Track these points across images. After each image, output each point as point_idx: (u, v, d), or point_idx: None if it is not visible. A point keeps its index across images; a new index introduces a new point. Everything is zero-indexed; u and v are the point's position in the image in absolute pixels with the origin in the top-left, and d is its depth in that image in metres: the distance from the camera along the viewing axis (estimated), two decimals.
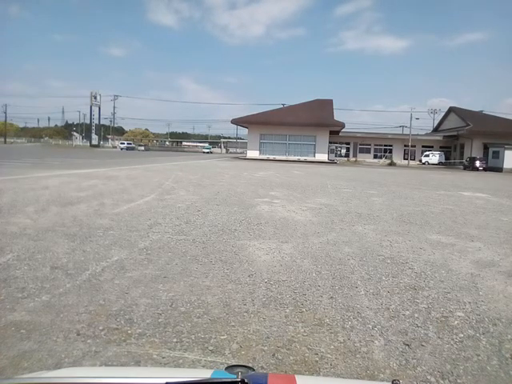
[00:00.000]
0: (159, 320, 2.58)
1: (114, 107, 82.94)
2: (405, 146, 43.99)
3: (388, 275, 3.71)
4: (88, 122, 73.46)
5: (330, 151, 40.25)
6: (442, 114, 51.43)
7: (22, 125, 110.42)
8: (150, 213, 6.34)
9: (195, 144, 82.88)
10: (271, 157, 36.48)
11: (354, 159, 43.15)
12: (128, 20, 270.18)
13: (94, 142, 66.79)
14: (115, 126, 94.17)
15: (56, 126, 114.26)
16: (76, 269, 3.50)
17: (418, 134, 45.90)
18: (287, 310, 2.83)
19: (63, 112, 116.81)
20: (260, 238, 5.01)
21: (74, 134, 75.64)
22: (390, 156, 44.38)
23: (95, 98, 65.81)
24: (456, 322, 2.74)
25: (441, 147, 44.52)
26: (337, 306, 2.94)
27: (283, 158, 36.28)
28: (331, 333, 2.51)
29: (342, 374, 2.07)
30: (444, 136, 44.09)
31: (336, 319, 2.71)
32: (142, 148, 64.39)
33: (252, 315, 2.72)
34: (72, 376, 1.07)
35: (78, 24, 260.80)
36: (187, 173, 15.51)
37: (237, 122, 39.18)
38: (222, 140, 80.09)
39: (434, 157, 42.65)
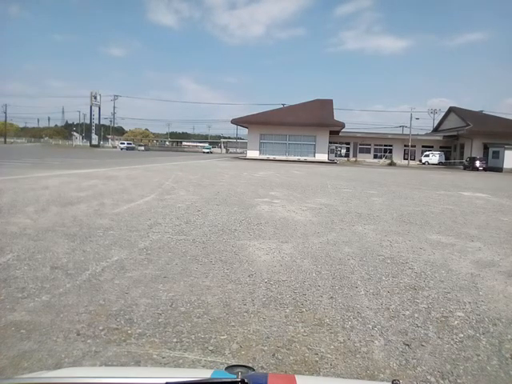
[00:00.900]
0: (159, 320, 2.58)
1: (114, 107, 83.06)
2: (405, 145, 43.99)
3: (388, 275, 3.71)
4: (88, 121, 73.53)
5: (330, 151, 40.26)
6: (442, 114, 51.49)
7: (22, 125, 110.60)
8: (149, 213, 6.34)
9: (195, 144, 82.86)
10: (271, 157, 36.48)
11: (353, 159, 43.15)
12: (128, 20, 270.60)
13: (94, 142, 66.78)
14: (115, 126, 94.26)
15: (56, 126, 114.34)
16: (76, 269, 3.50)
17: (418, 134, 45.90)
18: (287, 310, 2.83)
19: (63, 112, 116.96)
20: (260, 238, 5.01)
21: (74, 134, 75.66)
22: (389, 156, 44.39)
23: (95, 97, 65.82)
24: (456, 322, 2.74)
25: (441, 147, 44.52)
26: (337, 306, 2.94)
27: (283, 158, 36.27)
28: (331, 333, 2.51)
29: (342, 374, 2.07)
30: (444, 136, 44.09)
31: (336, 319, 2.71)
32: (142, 148, 64.38)
33: (252, 315, 2.72)
34: (72, 376, 1.07)
35: (78, 24, 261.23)
36: (187, 173, 15.51)
37: (237, 122, 39.18)
38: (222, 140, 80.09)
39: (434, 157, 42.65)
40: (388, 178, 18.61)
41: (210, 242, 4.72)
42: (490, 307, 3.03)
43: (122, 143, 66.23)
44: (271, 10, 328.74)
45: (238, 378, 0.85)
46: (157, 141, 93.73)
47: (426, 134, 50.18)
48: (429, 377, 2.06)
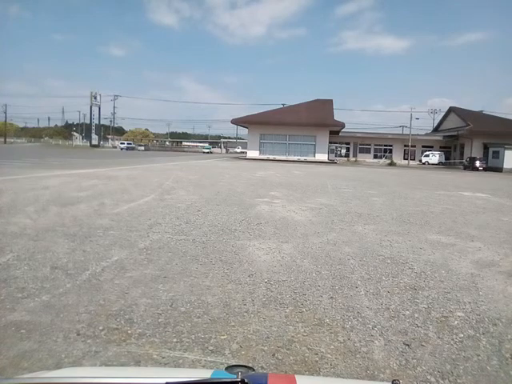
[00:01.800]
0: (159, 320, 2.58)
1: (114, 107, 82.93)
2: (405, 146, 44.00)
3: (388, 275, 3.71)
4: (88, 122, 73.47)
5: (330, 151, 40.28)
6: (442, 114, 51.49)
7: (22, 125, 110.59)
8: (150, 213, 6.34)
9: (195, 144, 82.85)
10: (271, 157, 36.47)
11: (353, 159, 43.15)
12: (128, 20, 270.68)
13: (94, 142, 66.75)
14: (115, 126, 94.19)
15: (56, 126, 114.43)
16: (76, 269, 3.50)
17: (418, 134, 45.92)
18: (287, 310, 2.83)
19: (63, 112, 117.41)
20: (260, 238, 5.01)
21: (74, 134, 75.69)
22: (389, 156, 44.40)
23: (95, 98, 65.76)
24: (456, 322, 2.74)
25: (441, 147, 44.52)
26: (337, 306, 2.94)
27: (283, 158, 36.27)
28: (331, 333, 2.51)
29: (342, 374, 2.07)
30: (444, 136, 44.09)
31: (336, 319, 2.71)
32: (142, 148, 64.36)
33: (252, 315, 2.72)
34: (72, 376, 1.07)
35: (78, 24, 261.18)
36: (187, 173, 15.51)
37: (237, 121, 39.18)
38: (222, 140, 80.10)
39: (434, 157, 42.65)
40: (388, 178, 18.61)
41: (210, 241, 4.72)
42: (490, 307, 3.03)
43: (122, 143, 66.24)
44: (272, 10, 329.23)
45: (237, 378, 0.85)
46: (157, 141, 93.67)
47: (426, 134, 50.19)
48: (429, 377, 2.06)
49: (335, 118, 36.07)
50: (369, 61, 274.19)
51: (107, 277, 3.33)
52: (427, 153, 43.40)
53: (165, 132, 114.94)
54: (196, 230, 5.28)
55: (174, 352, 2.19)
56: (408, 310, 2.92)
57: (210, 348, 2.26)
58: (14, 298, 2.81)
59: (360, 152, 46.12)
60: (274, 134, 37.22)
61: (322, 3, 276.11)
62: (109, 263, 3.70)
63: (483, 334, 2.58)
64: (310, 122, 35.25)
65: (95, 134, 67.76)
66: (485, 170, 32.75)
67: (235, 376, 0.86)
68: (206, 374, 1.00)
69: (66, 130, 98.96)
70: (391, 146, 46.05)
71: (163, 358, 2.13)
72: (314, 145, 36.92)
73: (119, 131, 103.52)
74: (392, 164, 38.67)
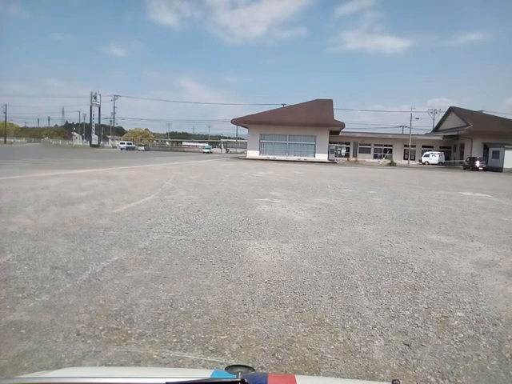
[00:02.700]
0: (159, 320, 2.58)
1: (114, 107, 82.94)
2: (405, 146, 44.00)
3: (388, 275, 3.71)
4: (88, 122, 73.43)
5: (330, 151, 40.26)
6: (442, 114, 51.49)
7: (22, 125, 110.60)
8: (149, 213, 6.34)
9: (195, 144, 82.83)
10: (271, 157, 36.47)
11: (353, 159, 43.15)
12: (129, 19, 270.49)
13: (94, 142, 66.74)
14: (115, 125, 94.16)
15: (56, 126, 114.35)
16: (76, 269, 3.50)
17: (418, 134, 45.92)
18: (287, 310, 2.83)
19: (63, 112, 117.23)
20: (260, 238, 5.01)
21: (74, 134, 75.70)
22: (389, 156, 44.39)
23: (95, 98, 65.75)
24: (456, 322, 2.74)
25: (441, 147, 44.52)
26: (337, 306, 2.94)
27: (283, 158, 36.27)
28: (331, 333, 2.51)
29: (342, 374, 2.07)
30: (444, 136, 44.08)
31: (336, 319, 2.71)
32: (142, 148, 64.37)
33: (252, 315, 2.72)
34: (72, 376, 1.07)
35: (79, 23, 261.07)
36: (187, 173, 15.51)
37: (237, 122, 39.18)
38: (222, 140, 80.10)
39: (434, 157, 42.65)
40: (388, 177, 18.61)
41: (210, 241, 4.72)
42: (490, 307, 3.03)
43: (122, 143, 66.27)
44: (272, 10, 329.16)
45: (237, 378, 0.85)
46: (157, 141, 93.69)
47: (426, 134, 50.18)
48: (429, 377, 2.06)
49: (335, 118, 36.07)
50: (369, 61, 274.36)
51: (107, 277, 3.33)
52: (427, 153, 43.40)
53: (165, 132, 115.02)
54: (196, 230, 5.28)
55: (174, 352, 2.19)
56: (408, 309, 2.92)
57: (210, 348, 2.26)
58: (14, 298, 2.81)
59: (360, 152, 46.11)
60: (274, 134, 37.22)
61: (322, 3, 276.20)
62: (109, 263, 3.70)
63: (483, 334, 2.58)
64: (310, 122, 35.25)
65: (95, 134, 67.73)
66: (485, 169, 32.75)
67: (235, 376, 0.86)
68: (206, 374, 1.00)
69: (65, 130, 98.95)
70: (391, 146, 46.04)
71: (163, 357, 2.13)
72: (314, 145, 36.92)
73: (119, 131, 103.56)
74: (392, 164, 38.66)
